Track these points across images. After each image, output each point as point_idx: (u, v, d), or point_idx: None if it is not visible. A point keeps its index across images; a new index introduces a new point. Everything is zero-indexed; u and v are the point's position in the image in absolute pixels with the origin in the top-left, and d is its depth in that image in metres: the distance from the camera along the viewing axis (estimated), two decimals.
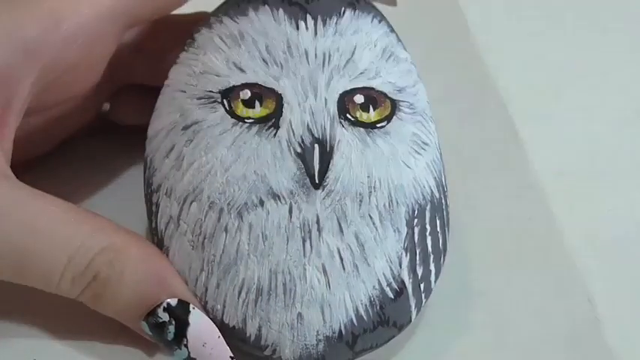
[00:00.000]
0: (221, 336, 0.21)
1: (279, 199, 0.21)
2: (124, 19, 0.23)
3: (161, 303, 0.21)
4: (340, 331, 0.21)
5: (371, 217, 0.22)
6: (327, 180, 0.22)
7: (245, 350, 0.22)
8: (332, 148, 0.22)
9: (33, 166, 0.23)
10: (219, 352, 0.21)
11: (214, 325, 0.22)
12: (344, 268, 0.21)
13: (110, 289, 0.21)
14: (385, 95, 0.23)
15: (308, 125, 0.22)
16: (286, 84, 0.23)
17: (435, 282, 0.23)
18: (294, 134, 0.22)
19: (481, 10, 0.39)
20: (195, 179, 0.22)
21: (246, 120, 0.22)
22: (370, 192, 0.22)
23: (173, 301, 0.21)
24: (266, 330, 0.21)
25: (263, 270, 0.21)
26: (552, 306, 0.25)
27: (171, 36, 0.26)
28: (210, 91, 0.23)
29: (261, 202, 0.21)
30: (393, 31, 0.25)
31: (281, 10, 0.24)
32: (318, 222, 0.21)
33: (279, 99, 0.22)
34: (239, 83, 0.23)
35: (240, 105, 0.23)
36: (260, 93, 0.23)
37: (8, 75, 0.21)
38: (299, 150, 0.22)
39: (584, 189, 0.30)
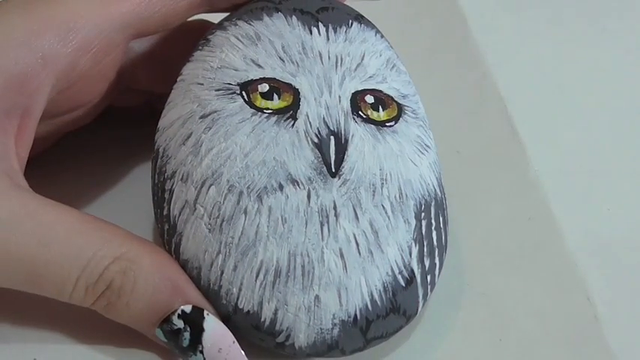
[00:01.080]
0: (236, 341, 0.21)
1: (298, 185, 0.22)
2: (132, 30, 0.24)
3: (175, 310, 0.21)
4: (355, 315, 0.22)
5: (384, 207, 0.22)
6: (343, 170, 0.22)
7: (256, 339, 0.22)
8: (346, 140, 0.23)
9: (31, 162, 0.24)
10: (235, 357, 0.21)
11: (229, 331, 0.22)
12: (360, 253, 0.22)
13: (124, 298, 0.21)
14: (392, 98, 0.24)
15: (324, 118, 0.23)
16: (302, 80, 0.23)
17: (439, 276, 0.24)
18: (311, 126, 0.23)
19: (481, 10, 0.39)
20: (214, 164, 0.22)
21: (264, 111, 0.23)
22: (382, 184, 0.23)
23: (187, 308, 0.21)
24: (282, 313, 0.21)
25: (282, 252, 0.21)
26: (552, 305, 0.25)
27: (178, 43, 0.27)
28: (228, 84, 0.23)
29: (281, 187, 0.22)
30: (392, 47, 0.26)
31: (294, 17, 0.25)
32: (335, 208, 0.22)
33: (296, 93, 0.23)
34: (257, 77, 0.23)
35: (259, 97, 0.23)
36: (278, 87, 0.23)
37: (28, 83, 0.22)
38: (316, 140, 0.22)
39: (583, 189, 0.30)
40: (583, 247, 0.27)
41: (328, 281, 0.21)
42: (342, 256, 0.22)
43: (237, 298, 0.22)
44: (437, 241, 0.23)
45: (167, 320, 0.21)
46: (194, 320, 0.21)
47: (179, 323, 0.21)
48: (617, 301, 0.26)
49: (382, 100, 0.24)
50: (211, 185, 0.22)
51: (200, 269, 0.22)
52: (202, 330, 0.21)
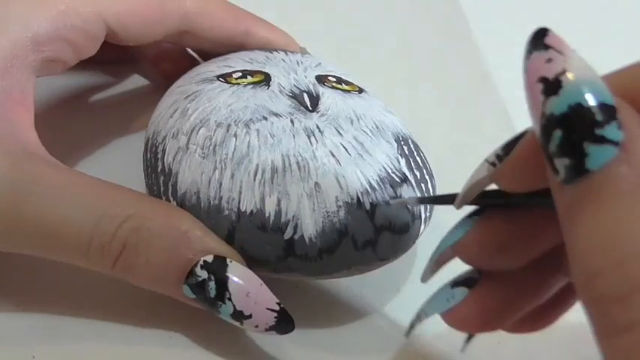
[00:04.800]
0: (263, 284, 0.21)
1: (280, 116, 0.23)
2: (111, 32, 0.25)
3: (197, 262, 0.21)
4: (358, 198, 0.22)
5: (363, 130, 0.24)
6: (319, 108, 0.24)
7: (265, 246, 0.22)
8: (318, 95, 0.25)
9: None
10: (264, 300, 0.21)
11: (255, 275, 0.21)
12: (350, 155, 0.23)
13: (142, 256, 0.21)
14: (352, 82, 0.27)
15: (294, 84, 0.25)
16: (271, 69, 0.26)
17: (433, 194, 0.24)
18: (284, 88, 0.25)
19: (482, 10, 0.39)
20: (200, 115, 0.24)
21: (240, 83, 0.25)
22: (359, 118, 0.24)
23: (209, 258, 0.21)
24: (285, 203, 0.21)
25: (275, 155, 0.22)
26: None
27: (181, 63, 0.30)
28: (206, 77, 0.26)
29: (265, 118, 0.23)
30: None
31: (256, 50, 0.28)
32: (318, 128, 0.23)
33: (267, 74, 0.26)
34: (230, 71, 0.26)
35: (234, 79, 0.25)
36: (249, 72, 0.26)
37: (21, 63, 0.23)
38: (290, 94, 0.25)
39: None
40: None
41: (325, 171, 0.22)
42: (333, 155, 0.22)
43: (239, 202, 0.22)
44: (422, 164, 0.24)
45: (191, 273, 0.21)
46: (217, 268, 0.21)
47: (203, 274, 0.21)
48: None
49: (343, 80, 0.27)
50: (201, 128, 0.23)
51: (199, 192, 0.22)
52: (227, 277, 0.21)
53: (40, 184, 0.21)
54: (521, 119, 0.32)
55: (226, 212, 0.22)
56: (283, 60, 0.27)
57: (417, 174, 0.24)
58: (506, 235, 0.19)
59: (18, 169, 0.21)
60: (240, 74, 0.26)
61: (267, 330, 0.21)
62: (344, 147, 0.23)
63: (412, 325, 0.21)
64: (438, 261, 0.21)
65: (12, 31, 0.23)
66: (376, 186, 0.22)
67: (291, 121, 0.23)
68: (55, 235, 0.21)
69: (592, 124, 0.14)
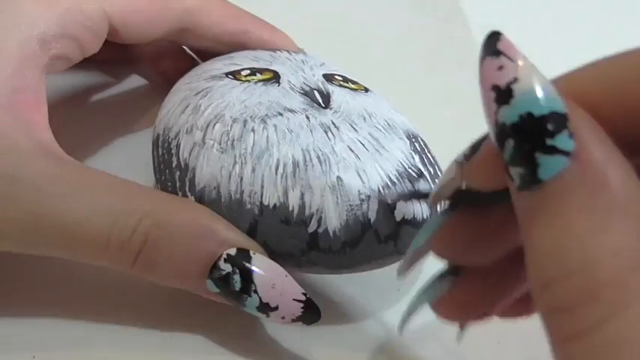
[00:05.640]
0: (288, 275, 0.21)
1: (295, 112, 0.24)
2: (113, 30, 0.25)
3: (220, 255, 0.21)
4: (379, 191, 0.22)
5: (377, 127, 0.24)
6: (332, 105, 0.24)
7: (289, 239, 0.22)
8: (328, 93, 0.25)
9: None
10: (290, 291, 0.21)
11: (279, 266, 0.21)
12: (367, 150, 0.23)
13: (164, 252, 0.21)
14: (357, 82, 0.27)
15: (304, 82, 0.26)
16: (278, 66, 0.27)
17: None
18: (295, 85, 0.25)
19: (482, 10, 0.39)
20: (215, 111, 0.24)
21: (250, 80, 0.25)
22: (370, 116, 0.25)
23: (232, 251, 0.21)
24: (309, 196, 0.22)
25: (295, 150, 0.22)
26: None
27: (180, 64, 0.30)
28: (214, 74, 0.26)
29: (280, 114, 0.24)
30: None
31: (259, 50, 0.28)
32: (333, 123, 0.24)
33: (275, 72, 0.26)
34: (238, 68, 0.26)
35: (243, 77, 0.26)
36: (258, 70, 0.26)
37: (28, 64, 0.23)
38: (302, 92, 0.25)
39: None
40: None
41: (346, 165, 0.22)
42: (351, 150, 0.23)
43: (262, 196, 0.22)
44: (433, 160, 0.25)
45: (215, 267, 0.21)
46: (241, 261, 0.21)
47: (227, 267, 0.21)
48: None
49: (349, 79, 0.27)
50: (216, 123, 0.23)
51: (219, 187, 0.22)
52: (252, 269, 0.21)
53: (57, 183, 0.21)
54: None
55: (248, 206, 0.22)
56: (288, 59, 0.27)
57: (431, 170, 0.24)
58: (476, 231, 0.19)
59: (34, 168, 0.21)
60: (248, 72, 0.26)
61: (293, 321, 0.21)
62: (361, 142, 0.23)
63: (404, 320, 0.21)
64: (413, 255, 0.21)
65: (20, 31, 0.23)
66: (395, 180, 0.23)
67: (307, 117, 0.24)
68: (73, 235, 0.21)
69: (542, 135, 0.14)
